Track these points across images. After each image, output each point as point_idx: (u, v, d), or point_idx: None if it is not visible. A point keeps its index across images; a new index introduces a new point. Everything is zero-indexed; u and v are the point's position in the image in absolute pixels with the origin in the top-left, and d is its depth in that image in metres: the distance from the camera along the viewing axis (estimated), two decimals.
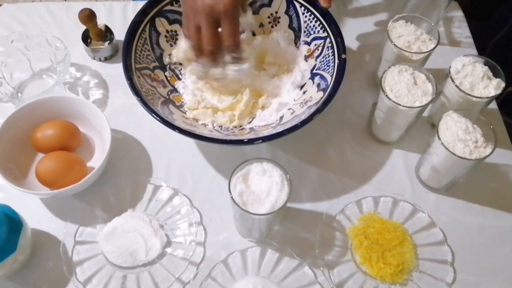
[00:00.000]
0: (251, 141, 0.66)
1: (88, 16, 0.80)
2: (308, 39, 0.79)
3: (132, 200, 0.73)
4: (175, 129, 0.66)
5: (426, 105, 0.69)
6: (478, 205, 0.74)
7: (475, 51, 0.90)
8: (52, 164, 0.70)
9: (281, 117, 0.76)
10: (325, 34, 0.76)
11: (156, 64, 0.77)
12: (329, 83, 0.71)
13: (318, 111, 0.67)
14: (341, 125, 0.82)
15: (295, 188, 0.75)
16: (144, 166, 0.77)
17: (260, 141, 0.65)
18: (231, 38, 0.66)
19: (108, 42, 0.86)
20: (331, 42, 0.75)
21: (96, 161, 0.76)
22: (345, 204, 0.73)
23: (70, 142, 0.74)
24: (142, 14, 0.75)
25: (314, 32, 0.78)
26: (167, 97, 0.76)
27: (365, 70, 0.87)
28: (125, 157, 0.77)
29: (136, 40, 0.74)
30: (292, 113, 0.74)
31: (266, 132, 0.71)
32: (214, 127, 0.75)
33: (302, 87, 0.78)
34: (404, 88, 0.70)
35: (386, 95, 0.70)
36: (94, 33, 0.84)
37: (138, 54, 0.74)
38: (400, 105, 0.69)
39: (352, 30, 0.92)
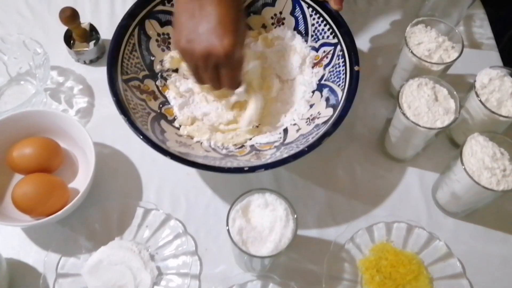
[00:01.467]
0: (252, 169, 0.58)
1: (70, 17, 0.71)
2: (316, 45, 0.71)
3: (120, 226, 0.66)
4: (166, 154, 0.58)
5: (449, 125, 0.62)
6: (500, 233, 0.68)
7: (497, 54, 0.82)
8: (30, 189, 0.62)
9: (285, 131, 0.68)
10: (335, 40, 0.68)
11: (146, 72, 0.69)
12: (339, 100, 0.63)
13: (327, 134, 0.60)
14: (350, 139, 0.74)
15: (300, 213, 0.67)
16: (133, 186, 0.70)
17: (263, 169, 0.58)
18: (232, 82, 0.62)
19: (93, 42, 0.77)
20: (342, 50, 0.66)
21: (80, 182, 0.68)
22: (355, 230, 0.66)
23: (51, 162, 0.66)
24: (129, 17, 0.67)
25: (323, 37, 0.70)
26: (159, 111, 0.68)
27: (378, 76, 0.79)
28: (112, 176, 0.70)
29: (123, 47, 0.66)
30: (297, 131, 0.67)
31: (269, 153, 0.64)
32: (210, 145, 0.67)
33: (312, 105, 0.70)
34: (423, 105, 0.63)
35: (404, 114, 0.62)
36: (77, 34, 0.75)
37: (125, 63, 0.66)
38: (419, 125, 0.61)
39: (363, 29, 0.84)
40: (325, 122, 0.63)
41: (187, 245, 0.65)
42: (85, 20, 0.78)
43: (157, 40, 0.71)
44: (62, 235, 0.65)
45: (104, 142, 0.72)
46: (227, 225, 0.55)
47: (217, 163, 0.60)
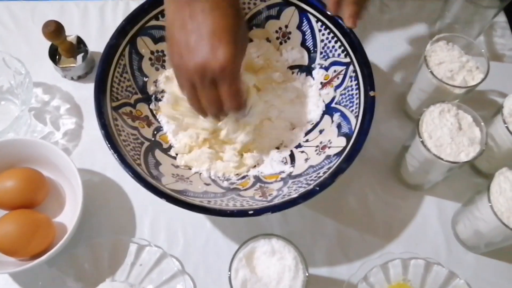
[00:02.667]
0: (258, 213, 0.52)
1: (54, 32, 0.65)
2: (326, 63, 0.64)
3: (111, 265, 0.60)
4: (162, 196, 0.52)
5: (474, 158, 0.56)
6: None
7: None
8: (12, 229, 0.56)
9: (292, 159, 0.62)
10: (348, 59, 0.61)
11: (139, 96, 0.63)
12: (353, 129, 0.57)
13: (340, 171, 0.54)
14: (362, 164, 0.68)
15: (308, 248, 0.62)
16: (126, 219, 0.64)
17: (270, 212, 0.52)
18: (233, 101, 0.53)
19: (82, 56, 0.71)
20: (355, 71, 0.60)
21: (67, 216, 0.63)
22: (368, 268, 0.61)
23: (35, 196, 0.60)
24: (119, 34, 0.60)
25: (334, 56, 0.63)
26: (153, 138, 0.62)
27: (391, 92, 0.73)
28: (103, 208, 0.64)
29: (113, 69, 0.59)
30: (306, 160, 0.61)
31: (275, 188, 0.58)
32: (210, 175, 0.61)
33: (317, 124, 0.64)
34: (446, 135, 0.56)
35: (425, 145, 0.56)
36: (63, 49, 0.69)
37: (115, 87, 0.59)
38: (442, 159, 0.55)
39: (374, 39, 0.77)
40: (337, 155, 0.57)
41: (185, 285, 0.59)
42: (72, 32, 0.71)
43: (150, 59, 0.64)
44: (49, 275, 0.59)
45: (93, 168, 0.66)
46: (230, 280, 0.49)
47: (218, 202, 0.54)
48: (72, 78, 0.72)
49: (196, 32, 0.50)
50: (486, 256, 0.63)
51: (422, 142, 0.56)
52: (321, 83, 0.65)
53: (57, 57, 0.70)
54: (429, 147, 0.56)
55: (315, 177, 0.56)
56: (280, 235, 0.51)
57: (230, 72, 0.51)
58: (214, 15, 0.50)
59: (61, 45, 0.68)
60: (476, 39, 0.73)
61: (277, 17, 0.65)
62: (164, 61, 0.65)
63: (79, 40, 0.72)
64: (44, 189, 0.61)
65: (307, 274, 0.50)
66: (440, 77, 0.60)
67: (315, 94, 0.65)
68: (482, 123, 0.57)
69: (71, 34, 0.71)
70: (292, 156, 0.63)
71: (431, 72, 0.60)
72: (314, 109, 0.64)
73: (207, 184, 0.59)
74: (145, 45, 0.63)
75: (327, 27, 0.62)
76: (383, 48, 0.76)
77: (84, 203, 0.59)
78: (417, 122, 0.57)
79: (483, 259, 0.63)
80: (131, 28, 0.61)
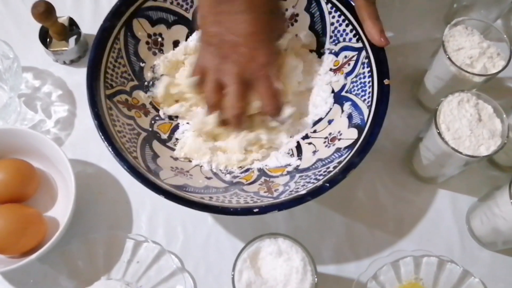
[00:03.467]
0: (263, 211, 0.49)
1: (44, 13, 0.60)
2: (336, 48, 0.60)
3: (107, 263, 0.57)
4: (160, 193, 0.49)
5: (495, 152, 0.52)
6: None
7: None
8: (0, 225, 0.53)
9: (299, 151, 0.59)
10: (360, 44, 0.57)
11: (135, 82, 0.59)
12: (365, 120, 0.53)
13: (352, 166, 0.50)
14: (372, 155, 0.62)
15: (315, 245, 0.59)
16: (122, 213, 0.60)
17: (276, 210, 0.49)
18: (273, 102, 0.53)
19: (74, 39, 0.66)
20: (367, 57, 0.56)
21: (59, 210, 0.59)
22: (378, 266, 0.57)
23: (25, 189, 0.57)
24: (113, 16, 0.56)
25: (345, 40, 0.59)
26: (150, 129, 0.58)
27: (404, 80, 0.68)
28: (98, 202, 0.60)
29: (107, 54, 0.55)
30: (314, 153, 0.57)
31: (281, 182, 0.54)
32: (212, 168, 0.58)
33: (326, 114, 0.60)
34: (465, 127, 0.53)
35: (442, 138, 0.52)
36: (54, 32, 0.64)
37: (109, 74, 0.55)
38: (461, 153, 0.51)
39: (386, 21, 0.71)
40: (348, 147, 0.53)
41: (185, 284, 0.56)
42: (63, 13, 0.66)
43: (147, 43, 0.60)
44: (41, 272, 0.56)
45: (87, 159, 0.63)
46: (233, 282, 0.46)
47: (220, 199, 0.51)
48: (64, 63, 0.68)
49: (232, 30, 0.49)
50: (502, 253, 0.60)
51: (440, 134, 0.52)
52: (331, 69, 0.61)
53: (48, 40, 0.66)
54: (446, 140, 0.52)
55: (324, 171, 0.52)
56: (286, 234, 0.48)
57: (269, 71, 0.51)
58: (252, 16, 0.49)
59: (52, 27, 0.63)
60: (494, 23, 0.68)
61: None
62: (162, 44, 0.61)
63: (72, 22, 0.67)
64: (35, 181, 0.58)
65: (316, 278, 0.46)
66: (459, 64, 0.56)
67: (322, 84, 0.61)
68: (504, 115, 0.53)
69: (62, 15, 0.66)
70: (299, 148, 0.59)
71: (449, 59, 0.56)
72: (321, 100, 0.60)
73: (209, 178, 0.56)
74: (141, 27, 0.59)
75: (337, 9, 0.58)
76: (395, 31, 0.71)
77: (77, 197, 0.55)
78: (434, 112, 0.53)
79: (499, 256, 0.60)
80: (126, 9, 0.57)
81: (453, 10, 0.70)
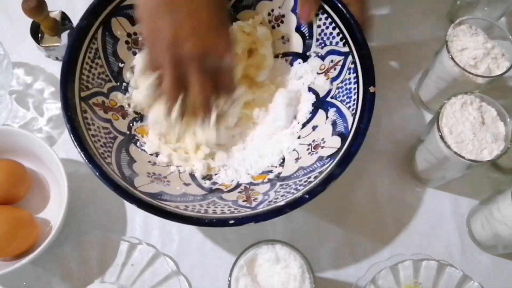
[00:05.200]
0: (239, 222, 0.47)
1: (36, 8, 0.58)
2: (322, 51, 0.58)
3: (101, 265, 0.56)
4: (133, 201, 0.47)
5: (498, 156, 0.51)
6: None
7: None
8: None
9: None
10: (346, 49, 0.55)
11: (113, 84, 0.57)
12: (349, 128, 0.52)
13: (334, 177, 0.48)
14: (372, 154, 0.63)
15: (313, 248, 0.58)
16: (116, 215, 0.59)
17: (253, 222, 0.47)
18: (230, 86, 0.53)
19: (66, 33, 0.64)
20: (354, 62, 0.54)
21: (52, 211, 0.58)
22: (377, 270, 0.57)
23: (15, 190, 0.56)
24: (90, 15, 0.54)
25: (331, 43, 0.56)
26: (128, 132, 0.56)
27: (405, 78, 0.67)
28: (91, 203, 0.59)
29: (83, 54, 0.53)
30: (296, 160, 0.55)
31: (261, 191, 0.53)
32: (192, 174, 0.56)
33: (310, 120, 0.58)
34: (468, 131, 0.51)
35: (445, 141, 0.51)
36: (46, 27, 0.62)
37: (85, 75, 0.54)
38: (463, 157, 0.50)
39: (388, 18, 0.71)
40: (331, 157, 0.51)
41: (180, 286, 0.55)
42: (55, 7, 0.64)
43: (127, 42, 0.58)
44: (34, 275, 0.55)
45: (80, 158, 0.60)
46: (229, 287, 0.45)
47: (196, 208, 0.49)
48: (56, 58, 0.66)
49: (192, 20, 0.48)
50: (502, 257, 0.59)
51: (442, 137, 0.51)
52: (317, 73, 0.59)
53: (40, 35, 0.64)
54: (449, 143, 0.51)
55: (305, 181, 0.51)
56: (284, 238, 0.47)
57: (230, 60, 0.51)
58: (208, 5, 0.49)
59: (44, 22, 0.61)
60: (498, 21, 0.67)
61: None
62: (143, 44, 0.59)
63: (64, 16, 0.65)
64: (26, 182, 0.56)
65: (314, 286, 0.45)
66: (463, 65, 0.54)
67: (305, 93, 0.59)
68: (508, 118, 0.51)
69: (54, 9, 0.64)
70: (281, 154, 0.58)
71: (453, 59, 0.54)
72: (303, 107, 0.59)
73: (187, 184, 0.54)
74: (120, 26, 0.57)
75: (324, 11, 0.56)
76: (397, 28, 0.70)
77: (70, 198, 0.54)
78: (436, 115, 0.52)
79: (499, 260, 0.59)
80: (104, 8, 0.55)
81: (456, 7, 0.68)
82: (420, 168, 0.59)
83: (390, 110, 0.65)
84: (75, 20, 0.65)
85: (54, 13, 0.64)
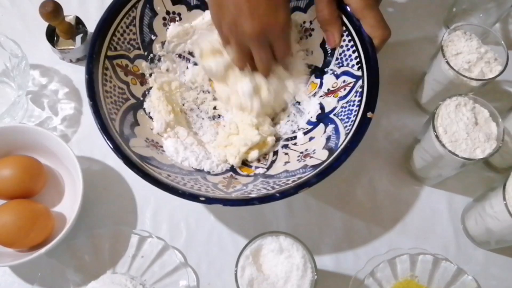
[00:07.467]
0: (208, 201, 0.50)
1: (52, 12, 0.61)
2: (338, 71, 0.60)
3: (112, 257, 0.59)
4: (119, 155, 0.51)
5: (490, 155, 0.54)
6: None
7: None
8: (9, 220, 0.55)
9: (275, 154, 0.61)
10: (359, 73, 0.56)
11: (141, 52, 0.60)
12: (338, 145, 0.54)
13: (307, 184, 0.51)
14: (372, 154, 0.66)
15: (314, 240, 0.61)
16: (127, 209, 0.62)
17: (221, 204, 0.50)
18: (286, 54, 0.60)
19: (80, 37, 0.68)
20: (362, 87, 0.56)
21: (66, 206, 0.61)
22: (375, 263, 0.59)
23: (33, 185, 0.58)
24: None
25: (348, 65, 0.59)
26: (141, 98, 0.59)
27: (403, 81, 0.70)
28: (103, 198, 0.62)
29: (120, 18, 0.57)
30: (285, 163, 0.58)
31: (242, 182, 0.56)
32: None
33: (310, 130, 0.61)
34: (462, 130, 0.54)
35: (440, 140, 0.54)
36: (61, 30, 0.66)
37: (117, 37, 0.57)
38: (457, 155, 0.53)
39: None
40: (314, 167, 0.53)
41: (188, 279, 0.58)
42: (70, 12, 0.68)
43: (164, 18, 0.61)
44: (49, 266, 0.57)
45: (93, 156, 0.64)
46: (236, 278, 0.47)
47: (178, 179, 0.52)
48: (70, 61, 0.69)
49: (251, 1, 0.52)
50: (495, 252, 0.61)
51: (437, 137, 0.54)
52: (328, 89, 0.61)
53: (55, 38, 0.67)
54: (443, 142, 0.54)
55: (282, 183, 0.53)
56: (287, 231, 0.50)
57: (288, 32, 0.57)
58: None
59: (59, 26, 0.65)
60: (492, 27, 0.70)
61: (304, 10, 0.62)
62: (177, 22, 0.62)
63: (78, 21, 0.68)
64: (42, 177, 0.59)
65: (315, 275, 0.48)
66: (457, 69, 0.57)
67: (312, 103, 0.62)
68: (500, 119, 0.54)
69: (69, 14, 0.67)
70: (276, 153, 0.61)
71: (448, 63, 0.57)
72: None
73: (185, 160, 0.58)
74: (162, 3, 0.60)
75: (349, 33, 0.58)
76: (395, 33, 0.71)
77: (84, 193, 0.57)
78: (432, 115, 0.55)
79: (493, 255, 0.61)
80: None
81: (452, 14, 0.71)
82: (417, 166, 0.62)
83: (389, 111, 0.68)
84: (89, 24, 0.68)
85: (69, 18, 0.67)
